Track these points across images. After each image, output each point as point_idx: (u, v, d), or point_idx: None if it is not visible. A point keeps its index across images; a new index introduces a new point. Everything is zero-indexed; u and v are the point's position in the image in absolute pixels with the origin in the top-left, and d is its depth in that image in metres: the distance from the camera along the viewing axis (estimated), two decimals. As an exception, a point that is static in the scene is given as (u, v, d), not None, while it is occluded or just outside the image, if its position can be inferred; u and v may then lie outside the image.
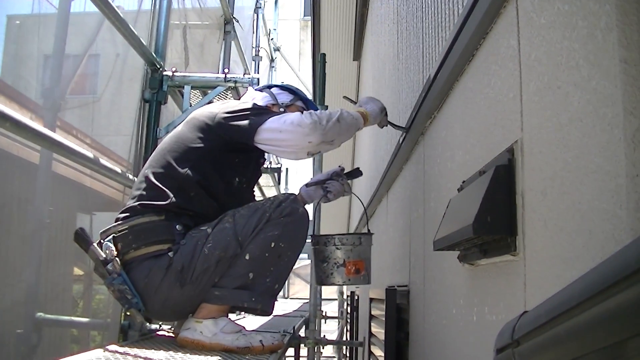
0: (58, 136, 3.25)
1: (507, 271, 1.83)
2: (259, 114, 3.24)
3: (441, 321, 2.80)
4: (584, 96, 1.32)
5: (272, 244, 3.17)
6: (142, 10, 5.16)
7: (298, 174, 16.26)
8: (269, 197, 3.35)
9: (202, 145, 3.27)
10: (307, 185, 3.68)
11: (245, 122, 3.19)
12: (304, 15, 27.28)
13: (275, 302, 3.35)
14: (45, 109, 4.00)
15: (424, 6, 3.56)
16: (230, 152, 3.30)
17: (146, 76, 4.69)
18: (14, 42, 4.20)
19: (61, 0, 4.11)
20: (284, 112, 3.55)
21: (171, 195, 3.19)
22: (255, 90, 3.81)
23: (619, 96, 1.17)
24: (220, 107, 3.35)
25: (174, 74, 4.72)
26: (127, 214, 3.22)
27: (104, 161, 3.78)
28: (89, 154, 3.58)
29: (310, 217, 3.72)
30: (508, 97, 1.86)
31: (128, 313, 3.31)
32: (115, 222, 3.23)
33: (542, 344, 1.00)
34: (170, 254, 3.13)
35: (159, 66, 4.63)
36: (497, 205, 1.77)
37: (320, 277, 3.65)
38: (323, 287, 8.42)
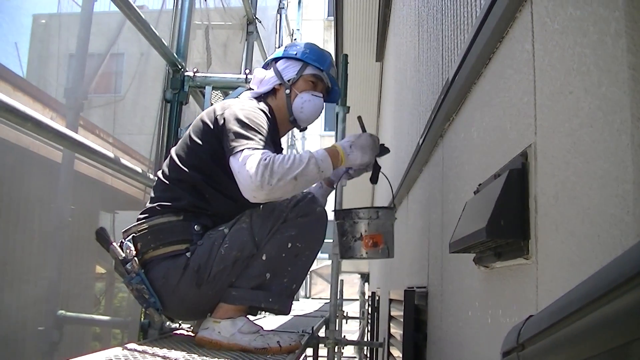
0: (79, 136, 3.28)
1: (520, 274, 1.85)
2: (240, 135, 3.12)
3: (457, 323, 2.81)
4: (594, 102, 1.33)
5: (289, 244, 3.18)
6: (165, 10, 5.20)
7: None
8: (288, 197, 3.31)
9: (205, 147, 3.28)
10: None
11: (226, 143, 3.15)
12: (328, 16, 27.29)
13: (293, 302, 3.35)
14: (68, 108, 4.03)
15: (443, 8, 3.57)
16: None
17: (168, 76, 4.72)
18: (40, 41, 4.24)
19: (85, 0, 4.14)
20: (289, 93, 3.59)
21: (187, 195, 3.22)
22: (263, 67, 3.80)
23: (627, 102, 1.18)
24: (223, 108, 3.32)
25: (195, 74, 4.74)
26: (147, 215, 3.26)
27: (124, 161, 3.81)
28: (110, 153, 3.60)
29: (333, 195, 3.70)
30: (523, 101, 1.87)
31: (147, 312, 3.34)
32: (136, 221, 3.26)
33: (546, 348, 1.01)
34: (187, 254, 3.15)
35: (180, 67, 4.66)
36: (510, 208, 1.78)
37: (341, 251, 3.68)
38: (345, 288, 8.46)
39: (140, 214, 3.31)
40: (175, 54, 4.64)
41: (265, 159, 3.02)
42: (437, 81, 3.64)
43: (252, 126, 3.18)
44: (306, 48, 3.72)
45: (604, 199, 1.26)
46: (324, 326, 6.10)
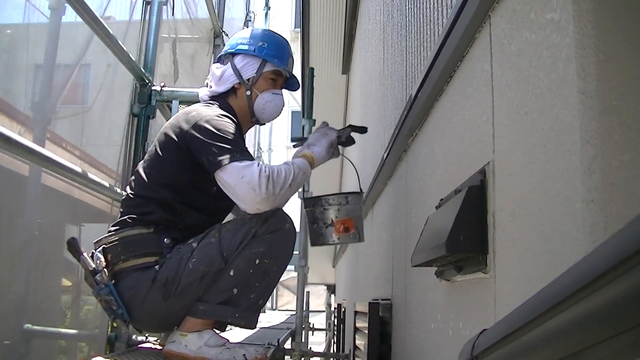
0: (48, 152, 3.29)
1: (479, 288, 1.90)
2: (222, 149, 3.14)
3: (421, 335, 2.86)
4: (548, 123, 1.38)
5: (257, 261, 3.18)
6: (133, 21, 5.20)
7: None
8: (268, 213, 3.30)
9: (173, 162, 3.29)
10: (292, 142, 3.73)
11: (207, 157, 3.14)
12: (295, 27, 27.34)
13: (259, 316, 3.38)
14: (36, 122, 4.03)
15: (407, 25, 3.62)
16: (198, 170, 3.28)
17: (135, 90, 4.74)
18: (6, 52, 4.23)
19: (52, 11, 4.14)
20: (250, 94, 3.58)
21: (158, 210, 3.24)
22: (218, 62, 3.77)
23: (577, 125, 1.23)
24: (188, 121, 3.29)
25: (162, 89, 4.76)
26: (118, 227, 3.26)
27: (92, 175, 3.82)
28: (78, 168, 3.62)
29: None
30: (482, 119, 1.93)
31: (114, 324, 3.35)
32: (108, 233, 3.27)
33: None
34: (156, 267, 3.16)
35: (147, 81, 4.68)
36: (469, 224, 1.83)
37: (312, 238, 3.70)
38: (311, 299, 8.49)
39: (112, 226, 3.32)
40: (142, 69, 4.67)
41: (265, 171, 3.09)
42: (401, 96, 3.68)
43: (228, 137, 3.20)
44: (263, 41, 3.68)
45: (557, 217, 1.32)
46: (290, 338, 6.13)
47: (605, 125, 1.21)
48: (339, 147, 3.72)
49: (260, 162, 3.18)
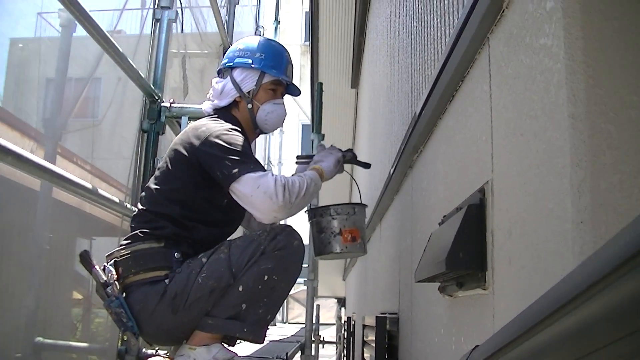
0: (59, 169, 3.33)
1: (479, 303, 1.94)
2: (235, 161, 3.20)
3: (425, 348, 2.90)
4: (541, 145, 1.43)
5: (266, 277, 3.20)
6: (144, 35, 5.24)
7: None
8: (265, 229, 3.36)
9: (184, 178, 3.34)
10: (297, 160, 3.79)
11: (221, 171, 3.20)
12: (305, 41, 27.38)
13: (267, 331, 3.41)
14: (47, 138, 4.07)
15: (412, 43, 3.67)
16: (210, 184, 3.33)
17: (145, 107, 4.79)
18: (17, 66, 4.26)
19: (63, 28, 4.18)
20: (252, 107, 3.62)
21: (169, 225, 3.28)
22: (218, 75, 3.79)
23: (567, 148, 1.28)
24: (199, 136, 3.33)
25: (172, 105, 4.82)
26: (130, 240, 3.30)
27: (102, 191, 3.87)
28: (89, 185, 3.66)
29: None
30: (481, 139, 1.97)
31: (124, 337, 3.39)
32: (119, 247, 3.32)
33: (489, 376, 1.11)
34: (166, 280, 3.19)
35: (157, 97, 4.74)
36: (469, 242, 1.87)
37: (319, 248, 3.72)
38: (321, 312, 8.51)
39: (123, 240, 3.36)
40: (152, 85, 4.72)
41: (281, 180, 3.16)
42: (407, 112, 3.73)
43: (240, 150, 3.25)
44: (260, 52, 3.68)
45: (549, 236, 1.37)
46: (300, 351, 6.16)
47: (594, 148, 1.26)
48: (343, 164, 3.77)
49: (274, 172, 3.23)
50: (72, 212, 4.42)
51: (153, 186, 3.42)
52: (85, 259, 3.25)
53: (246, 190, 3.14)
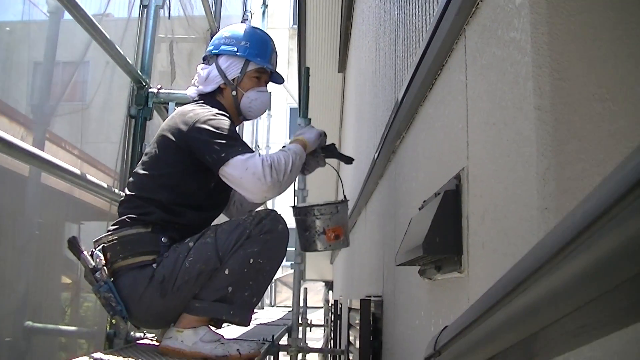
0: (49, 156, 3.38)
1: (456, 286, 2.01)
2: (223, 145, 3.26)
3: (407, 331, 2.96)
4: (511, 135, 1.49)
5: (251, 260, 3.26)
6: (132, 18, 5.25)
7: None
8: (251, 213, 3.43)
9: (171, 162, 3.39)
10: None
11: (210, 155, 3.26)
12: (293, 24, 27.33)
13: (253, 314, 3.46)
14: (35, 123, 4.09)
15: (396, 30, 3.72)
16: (199, 169, 3.39)
17: (132, 92, 4.83)
18: (4, 50, 4.26)
19: (51, 14, 4.20)
20: (236, 94, 3.68)
21: (157, 210, 3.34)
22: (203, 61, 3.84)
23: (533, 138, 1.34)
24: (186, 122, 3.38)
25: (159, 91, 4.86)
26: (117, 226, 3.35)
27: (91, 177, 3.92)
28: (77, 170, 3.71)
29: (293, 187, 3.85)
30: (458, 127, 2.03)
31: (113, 320, 3.44)
32: (107, 232, 3.37)
33: (456, 353, 1.18)
34: (154, 265, 3.25)
35: (144, 83, 4.77)
36: (445, 226, 1.94)
37: (304, 245, 3.84)
38: (309, 295, 8.57)
39: (111, 225, 3.42)
40: (139, 71, 4.76)
41: (267, 160, 3.23)
42: (390, 98, 3.78)
43: (227, 133, 3.31)
44: (245, 40, 3.74)
45: (518, 222, 1.43)
46: (287, 334, 6.21)
47: (559, 138, 1.32)
48: (325, 158, 3.84)
49: (260, 153, 3.30)
50: (61, 197, 4.44)
51: (141, 172, 3.47)
52: (74, 244, 3.30)
53: (235, 172, 3.20)
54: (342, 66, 10.86)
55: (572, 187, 1.30)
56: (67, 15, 3.96)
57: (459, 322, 1.16)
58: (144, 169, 3.47)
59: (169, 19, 5.73)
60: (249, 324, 3.42)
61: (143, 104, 4.79)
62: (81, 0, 3.75)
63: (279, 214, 3.45)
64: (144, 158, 3.56)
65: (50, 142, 4.21)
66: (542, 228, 1.29)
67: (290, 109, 27.27)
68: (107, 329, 4.39)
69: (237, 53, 3.69)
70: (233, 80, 3.69)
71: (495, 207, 1.60)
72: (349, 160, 3.98)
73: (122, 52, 4.36)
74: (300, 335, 7.02)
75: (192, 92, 3.77)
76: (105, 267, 3.25)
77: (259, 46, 3.75)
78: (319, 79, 10.89)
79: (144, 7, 5.05)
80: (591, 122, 1.33)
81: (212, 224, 3.50)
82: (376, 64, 4.99)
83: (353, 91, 8.58)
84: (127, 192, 3.49)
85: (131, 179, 3.55)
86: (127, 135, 4.79)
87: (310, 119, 5.97)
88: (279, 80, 3.93)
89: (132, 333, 4.36)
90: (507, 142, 1.52)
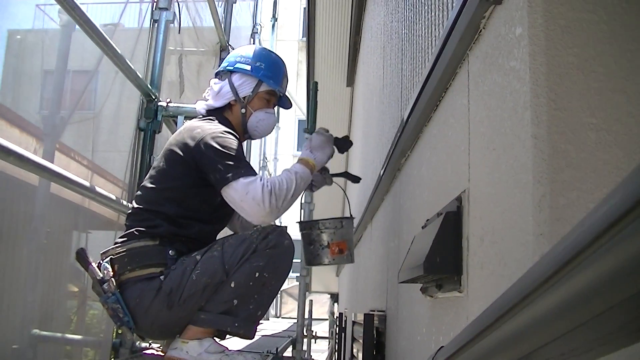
0: (59, 168, 3.42)
1: (455, 305, 2.05)
2: (228, 166, 3.30)
3: (409, 346, 3.01)
4: (509, 161, 1.54)
5: (257, 274, 3.30)
6: (144, 28, 5.29)
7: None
8: (257, 228, 3.45)
9: (178, 177, 3.44)
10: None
11: (214, 174, 3.31)
12: (302, 37, 27.39)
13: (258, 327, 3.50)
14: (46, 135, 4.13)
15: (403, 49, 3.77)
16: (203, 183, 3.42)
17: (142, 106, 4.89)
18: (15, 57, 4.28)
19: (63, 28, 4.24)
20: (245, 112, 3.72)
21: (164, 224, 3.39)
22: (216, 76, 3.89)
23: (530, 166, 1.39)
24: (193, 137, 3.43)
25: (168, 104, 4.91)
26: (125, 238, 3.40)
27: (100, 189, 3.97)
28: (86, 183, 3.76)
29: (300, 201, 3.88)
30: (460, 149, 2.08)
31: (119, 330, 3.48)
32: (115, 244, 3.41)
33: (451, 374, 1.23)
34: (161, 277, 3.29)
35: (154, 97, 4.83)
36: (446, 247, 1.99)
37: (309, 259, 3.90)
38: (314, 307, 8.60)
39: (119, 238, 3.46)
40: (149, 85, 4.82)
41: (268, 186, 3.26)
42: (397, 116, 3.82)
43: (233, 154, 3.35)
44: (260, 61, 3.80)
45: (514, 246, 1.48)
46: (292, 346, 6.25)
47: (554, 167, 1.37)
48: (332, 176, 3.92)
49: (263, 177, 3.32)
50: (70, 206, 4.48)
51: (149, 185, 3.52)
52: (82, 256, 3.35)
53: (236, 195, 3.25)
54: (351, 80, 10.90)
55: (567, 215, 1.35)
56: (78, 28, 4.00)
57: (454, 343, 1.21)
58: (151, 183, 3.52)
59: (179, 33, 5.77)
60: (253, 337, 3.45)
61: (152, 117, 4.84)
62: (93, 11, 3.79)
63: (285, 230, 3.49)
64: (151, 172, 3.61)
65: (59, 152, 4.25)
66: (536, 253, 1.34)
67: (299, 121, 27.30)
68: (113, 338, 4.44)
69: (251, 73, 3.75)
70: (244, 98, 3.74)
71: (494, 230, 1.65)
72: (356, 179, 4.04)
73: (132, 67, 4.42)
74: (304, 348, 7.06)
75: (201, 106, 3.81)
76: (113, 279, 3.30)
77: (272, 69, 3.81)
78: (327, 92, 10.93)
79: (154, 21, 5.10)
80: (586, 151, 1.38)
81: (218, 237, 3.55)
82: (384, 81, 5.03)
83: (361, 106, 8.62)
84: (135, 205, 3.53)
85: (139, 192, 3.59)
86: (136, 148, 4.84)
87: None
88: (286, 105, 4.00)
89: (137, 343, 4.41)
90: (505, 168, 1.57)
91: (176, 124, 4.96)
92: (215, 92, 3.76)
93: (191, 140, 3.42)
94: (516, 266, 1.45)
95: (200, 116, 3.72)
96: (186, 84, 6.53)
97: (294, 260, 3.53)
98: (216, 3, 7.10)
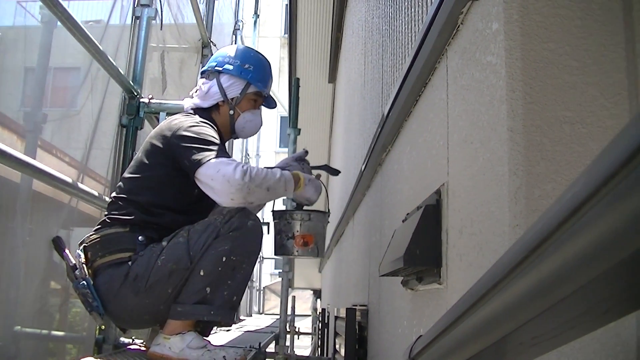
0: (41, 164, 3.43)
1: (435, 297, 2.08)
2: (201, 149, 3.32)
3: (391, 339, 3.03)
4: (486, 154, 1.57)
5: (224, 258, 3.31)
6: (126, 24, 5.29)
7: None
8: (223, 212, 3.45)
9: (156, 167, 3.48)
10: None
11: (188, 158, 3.32)
12: (284, 33, 27.38)
13: (236, 313, 3.52)
14: (28, 131, 4.13)
15: (383, 44, 3.80)
16: (179, 173, 3.45)
17: (124, 102, 4.89)
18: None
19: (44, 24, 4.23)
20: (233, 114, 3.76)
21: (136, 212, 3.42)
22: (202, 76, 3.92)
23: (506, 159, 1.42)
24: (171, 128, 3.48)
25: (150, 101, 4.92)
26: (99, 226, 3.46)
27: (82, 185, 3.98)
28: (68, 179, 3.77)
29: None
30: (439, 143, 2.11)
31: (102, 327, 3.49)
32: (89, 234, 3.47)
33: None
34: (129, 262, 3.33)
35: (136, 93, 4.83)
36: (425, 239, 2.02)
37: (275, 248, 3.95)
38: (297, 304, 8.62)
39: (95, 227, 3.51)
40: (131, 82, 4.82)
41: (243, 166, 3.28)
42: (378, 111, 3.85)
43: (207, 139, 3.39)
44: (249, 63, 3.84)
45: (491, 237, 1.51)
46: (275, 342, 6.26)
47: (529, 159, 1.40)
48: (312, 169, 3.97)
49: (239, 161, 3.36)
50: (53, 203, 4.48)
51: (127, 175, 3.58)
52: (58, 243, 3.41)
53: (208, 172, 3.26)
54: (333, 77, 10.94)
55: (542, 206, 1.38)
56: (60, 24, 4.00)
57: (431, 332, 1.23)
58: (130, 173, 3.58)
59: (161, 29, 5.77)
60: (232, 324, 3.48)
61: (134, 114, 4.85)
62: (75, 8, 3.79)
63: (249, 211, 3.50)
64: (131, 164, 3.67)
65: (41, 149, 4.25)
66: (512, 244, 1.37)
67: (281, 117, 27.33)
68: (96, 334, 4.44)
69: (240, 75, 3.79)
70: (232, 99, 3.78)
71: (472, 222, 1.67)
72: (335, 172, 4.09)
73: (114, 63, 4.42)
74: (287, 343, 7.08)
75: (187, 104, 3.86)
76: (85, 265, 3.34)
77: (260, 71, 3.86)
78: (309, 88, 10.96)
79: (136, 18, 5.10)
80: (561, 144, 1.41)
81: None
82: (365, 77, 5.06)
83: (343, 102, 8.65)
84: (113, 195, 3.59)
85: (119, 183, 3.63)
86: (119, 144, 4.84)
87: (299, 129, 6.05)
88: (271, 105, 4.04)
89: (121, 339, 4.42)
90: (482, 161, 1.60)
91: (158, 120, 4.96)
92: (204, 92, 3.79)
93: (168, 132, 3.48)
94: (493, 257, 1.48)
95: (184, 113, 3.74)
96: (169, 80, 6.53)
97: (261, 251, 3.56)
98: (198, 0, 7.10)
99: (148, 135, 3.70)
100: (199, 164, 3.28)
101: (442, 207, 2.01)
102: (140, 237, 3.39)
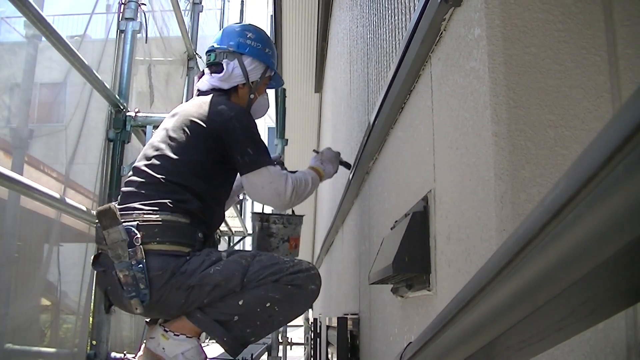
0: (28, 180, 3.43)
1: (425, 303, 2.08)
2: (256, 151, 3.34)
3: (382, 347, 3.03)
4: (472, 159, 1.57)
5: (268, 304, 3.21)
6: (110, 39, 5.28)
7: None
8: (294, 259, 3.39)
9: (207, 155, 3.36)
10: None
11: (242, 155, 3.31)
12: (270, 44, 27.31)
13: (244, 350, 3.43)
14: (14, 148, 4.12)
15: (368, 53, 3.81)
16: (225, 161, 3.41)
17: (110, 116, 4.88)
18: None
19: (29, 40, 4.23)
20: (253, 97, 3.72)
21: (195, 201, 3.29)
22: (219, 43, 3.80)
23: (491, 163, 1.43)
24: (219, 113, 3.40)
25: (137, 114, 4.91)
26: (157, 208, 3.24)
27: (70, 200, 3.97)
28: (56, 194, 3.76)
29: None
30: (425, 150, 2.12)
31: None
32: (138, 210, 3.25)
33: (419, 368, 1.26)
34: (187, 258, 3.19)
35: (122, 107, 4.83)
36: (413, 246, 2.02)
37: (263, 249, 4.00)
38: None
39: (143, 204, 3.27)
40: (117, 95, 4.82)
41: (292, 183, 3.38)
42: (364, 120, 3.86)
43: (259, 139, 3.41)
44: (268, 47, 3.82)
45: (478, 242, 1.51)
46: (267, 352, 6.25)
47: (515, 163, 1.41)
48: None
49: (286, 172, 3.39)
50: (41, 219, 4.47)
51: (170, 154, 3.37)
52: (112, 212, 3.16)
53: (260, 181, 3.30)
54: (319, 86, 10.96)
55: (528, 210, 1.37)
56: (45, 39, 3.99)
57: (420, 338, 1.24)
58: (173, 153, 3.37)
59: (146, 42, 5.77)
60: (235, 357, 3.39)
61: (121, 128, 4.84)
62: (59, 23, 3.79)
63: (317, 275, 3.39)
64: (167, 140, 3.45)
65: (28, 165, 4.23)
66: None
67: (268, 128, 27.31)
68: (88, 350, 4.42)
69: (262, 59, 3.76)
70: (252, 83, 3.73)
71: (459, 227, 1.68)
72: (347, 165, 4.16)
73: (99, 77, 4.42)
74: (280, 354, 7.07)
75: (203, 84, 3.74)
76: (141, 247, 3.15)
77: (275, 55, 3.88)
78: (295, 99, 10.96)
79: (121, 31, 5.10)
80: (545, 148, 1.42)
81: (254, 249, 3.58)
82: (351, 86, 5.07)
83: (329, 111, 8.67)
84: (155, 174, 3.35)
85: (155, 161, 3.40)
86: (106, 158, 4.83)
87: (287, 139, 6.05)
88: (279, 83, 4.13)
89: (112, 354, 4.40)
90: (468, 166, 1.60)
91: (145, 133, 4.95)
92: (229, 73, 3.68)
93: (216, 116, 3.39)
94: (481, 262, 1.47)
95: (216, 93, 3.66)
96: (155, 94, 6.52)
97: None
98: (182, 12, 7.10)
99: (180, 113, 3.55)
100: (255, 166, 3.31)
101: (429, 213, 2.02)
102: (199, 234, 3.28)
